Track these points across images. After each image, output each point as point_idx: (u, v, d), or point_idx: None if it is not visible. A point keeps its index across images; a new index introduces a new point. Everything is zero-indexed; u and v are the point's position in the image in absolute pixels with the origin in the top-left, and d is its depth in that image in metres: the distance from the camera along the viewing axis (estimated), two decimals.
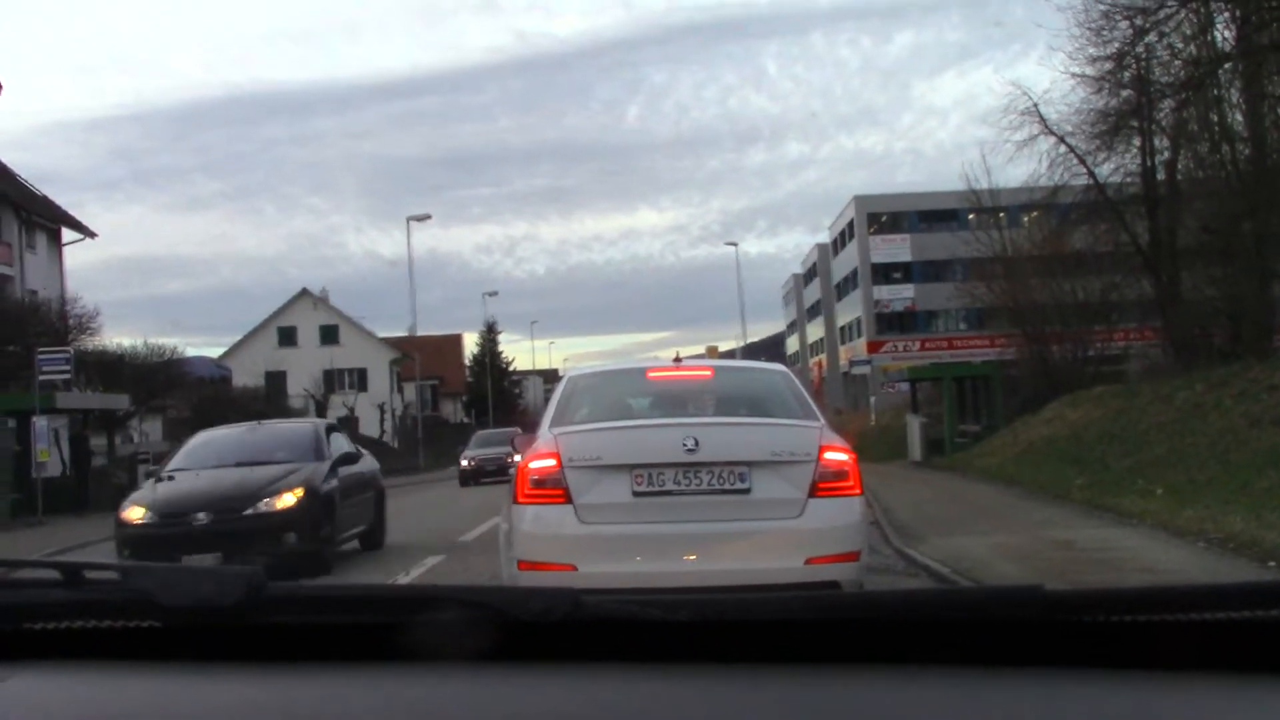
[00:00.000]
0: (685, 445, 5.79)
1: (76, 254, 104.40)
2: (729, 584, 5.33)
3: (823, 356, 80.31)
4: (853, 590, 5.28)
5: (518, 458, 6.53)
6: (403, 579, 10.21)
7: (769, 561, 5.67)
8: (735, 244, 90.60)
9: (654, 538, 5.77)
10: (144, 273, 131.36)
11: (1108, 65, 22.07)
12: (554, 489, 5.83)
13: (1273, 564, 8.45)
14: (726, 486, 5.82)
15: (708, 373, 7.46)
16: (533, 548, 5.88)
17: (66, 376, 24.54)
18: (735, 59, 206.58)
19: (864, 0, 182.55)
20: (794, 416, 6.41)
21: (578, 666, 1.32)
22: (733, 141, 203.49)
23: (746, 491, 5.82)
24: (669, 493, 5.81)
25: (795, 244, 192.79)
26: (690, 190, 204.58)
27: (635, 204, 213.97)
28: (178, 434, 42.11)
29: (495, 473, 27.03)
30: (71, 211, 37.69)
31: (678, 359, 7.26)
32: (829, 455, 5.91)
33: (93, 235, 38.06)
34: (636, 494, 5.81)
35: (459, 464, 31.36)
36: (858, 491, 5.98)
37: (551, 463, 5.87)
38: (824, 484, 5.84)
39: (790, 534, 5.77)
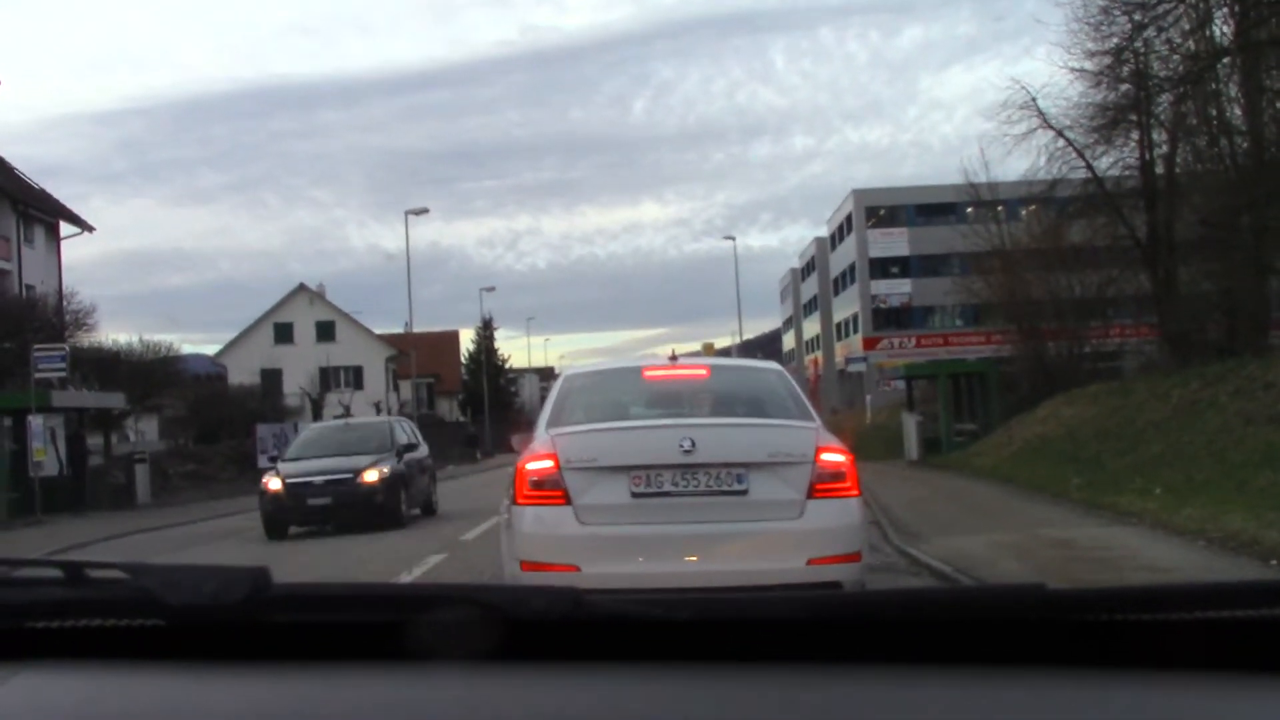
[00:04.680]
0: (682, 446, 5.78)
1: (75, 248, 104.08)
2: (732, 585, 5.32)
3: (819, 354, 80.00)
4: (855, 590, 5.28)
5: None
6: (405, 577, 10.22)
7: (771, 562, 5.67)
8: (733, 238, 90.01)
9: (655, 539, 5.76)
10: (143, 267, 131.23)
11: (1106, 60, 22.13)
12: (553, 490, 5.82)
13: (1275, 562, 8.46)
14: (724, 488, 5.81)
15: (703, 372, 7.41)
16: (535, 548, 5.88)
17: (62, 374, 24.43)
18: (744, 53, 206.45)
19: None
20: (790, 416, 6.39)
21: (580, 666, 1.32)
22: (739, 135, 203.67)
23: (744, 493, 5.81)
24: (667, 494, 5.81)
25: (798, 237, 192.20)
26: (695, 183, 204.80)
27: (639, 197, 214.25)
28: (174, 433, 42.05)
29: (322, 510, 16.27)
30: (74, 205, 37.53)
31: (674, 357, 7.23)
32: (825, 456, 5.90)
33: (90, 229, 37.88)
34: (635, 495, 5.81)
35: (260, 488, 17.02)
36: (856, 492, 5.97)
37: (549, 464, 5.87)
38: (821, 485, 5.83)
39: (790, 535, 5.76)
